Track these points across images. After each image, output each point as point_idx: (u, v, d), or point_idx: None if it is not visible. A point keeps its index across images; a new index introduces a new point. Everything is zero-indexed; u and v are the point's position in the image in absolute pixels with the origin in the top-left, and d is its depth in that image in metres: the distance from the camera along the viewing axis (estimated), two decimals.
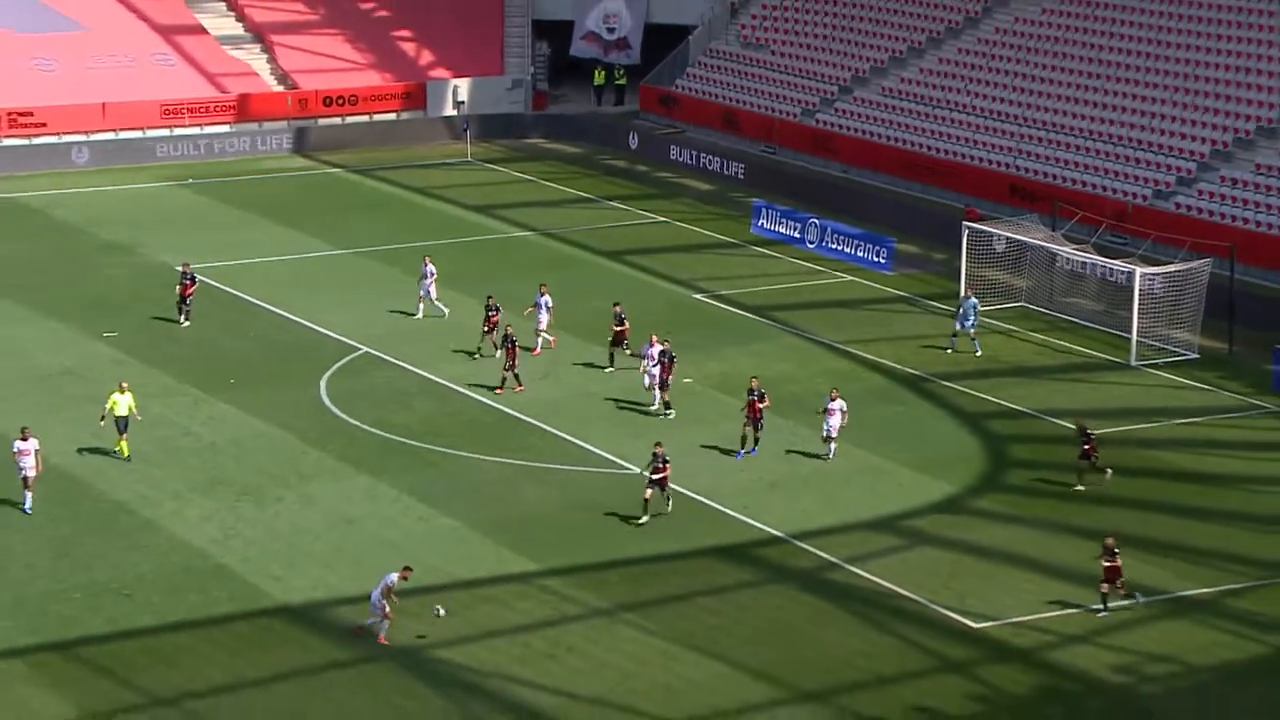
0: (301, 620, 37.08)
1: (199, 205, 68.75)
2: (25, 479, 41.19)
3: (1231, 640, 36.88)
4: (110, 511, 41.72)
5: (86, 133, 74.05)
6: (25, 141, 73.21)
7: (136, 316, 55.03)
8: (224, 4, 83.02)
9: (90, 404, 47.60)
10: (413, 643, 35.90)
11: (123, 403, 44.46)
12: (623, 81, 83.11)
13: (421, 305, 54.85)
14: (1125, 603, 37.49)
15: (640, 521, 40.89)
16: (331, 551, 40.02)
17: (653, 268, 61.14)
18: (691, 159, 74.60)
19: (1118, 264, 54.25)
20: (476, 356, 51.30)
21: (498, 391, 48.57)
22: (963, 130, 69.33)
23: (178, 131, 75.27)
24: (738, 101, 77.31)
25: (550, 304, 51.84)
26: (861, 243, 61.89)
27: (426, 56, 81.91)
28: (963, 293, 54.34)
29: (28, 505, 41.22)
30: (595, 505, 42.42)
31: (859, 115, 72.99)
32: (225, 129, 76.27)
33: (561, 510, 42.18)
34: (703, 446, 45.48)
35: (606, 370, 50.36)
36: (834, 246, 62.38)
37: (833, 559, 40.02)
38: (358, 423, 47.10)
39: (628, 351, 50.33)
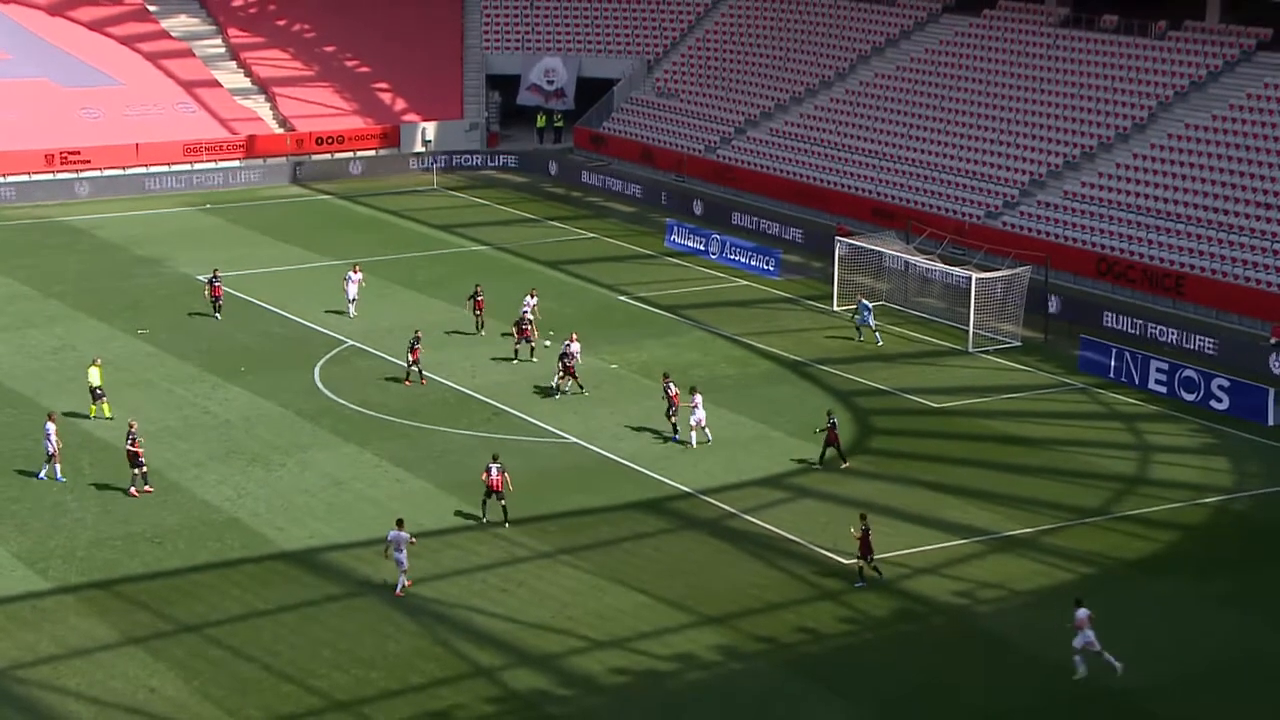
0: (300, 563, 36.93)
1: (215, 226, 68.13)
2: (50, 454, 40.72)
3: (1046, 569, 37.27)
4: None
5: (124, 168, 73.31)
6: (74, 175, 72.39)
7: (165, 317, 54.52)
8: (234, 62, 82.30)
9: (128, 389, 47.26)
10: (391, 581, 35.84)
11: (95, 374, 44.63)
12: (560, 124, 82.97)
13: (352, 307, 54.38)
14: (860, 582, 35.81)
15: (484, 519, 38.81)
16: (324, 507, 39.86)
17: (584, 274, 61.04)
18: (617, 186, 74.59)
19: (957, 270, 54.59)
20: (481, 334, 51.45)
21: (405, 384, 47.63)
22: (835, 163, 69.63)
23: (197, 166, 74.61)
24: (654, 140, 77.31)
25: (533, 304, 51.65)
26: (754, 254, 61.98)
27: (400, 104, 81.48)
28: (859, 298, 54.24)
29: (59, 475, 40.57)
30: (539, 468, 42.34)
31: (752, 151, 73.16)
32: (236, 164, 75.62)
33: (512, 472, 42.03)
34: (626, 420, 45.47)
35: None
36: (732, 257, 62.45)
37: (732, 510, 40.14)
38: (345, 402, 46.87)
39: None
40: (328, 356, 50.81)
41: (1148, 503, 40.94)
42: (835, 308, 56.26)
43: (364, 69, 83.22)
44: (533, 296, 51.86)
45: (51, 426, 40.71)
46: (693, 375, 48.63)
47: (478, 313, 51.73)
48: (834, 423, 42.57)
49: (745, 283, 60.25)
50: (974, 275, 53.09)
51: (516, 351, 49.89)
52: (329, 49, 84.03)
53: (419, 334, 48.52)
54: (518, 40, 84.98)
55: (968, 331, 52.83)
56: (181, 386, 47.70)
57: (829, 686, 32.23)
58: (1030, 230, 61.03)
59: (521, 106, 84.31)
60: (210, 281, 54.24)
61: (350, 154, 78.09)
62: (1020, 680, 32.67)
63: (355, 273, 54.92)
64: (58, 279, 59.01)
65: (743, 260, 61.99)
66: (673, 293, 58.74)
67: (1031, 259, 54.96)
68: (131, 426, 40.47)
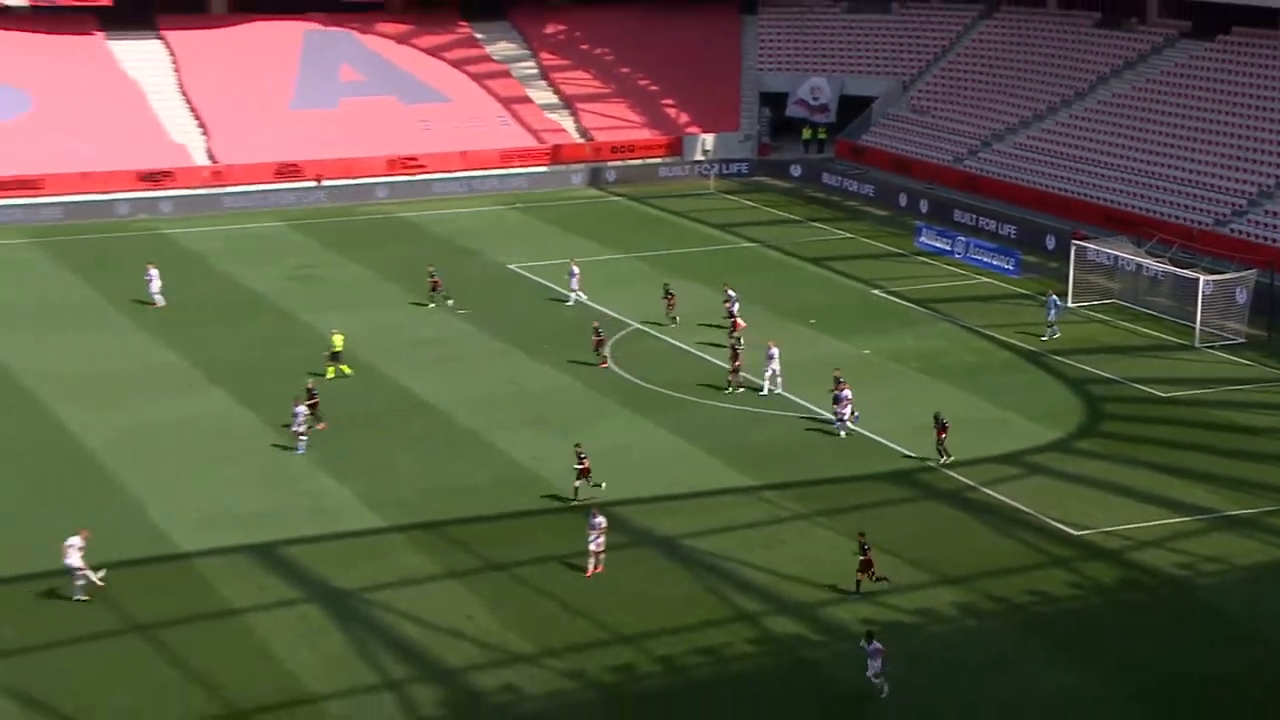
0: None
1: (523, 222, 69.78)
2: (297, 432, 40.96)
3: (1266, 548, 35.76)
4: (462, 436, 42.74)
5: (450, 172, 75.72)
6: (411, 178, 75.16)
7: (482, 301, 56.10)
8: (545, 81, 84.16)
9: (451, 362, 48.91)
10: (668, 534, 36.36)
11: (339, 341, 47.41)
12: (824, 136, 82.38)
13: (572, 296, 55.01)
14: (881, 585, 33.32)
15: (572, 501, 37.78)
16: (614, 467, 40.36)
17: (842, 270, 60.61)
18: (873, 192, 73.88)
19: (1186, 272, 52.53)
20: (673, 324, 51.69)
21: (602, 366, 47.95)
22: (1073, 173, 67.53)
23: (511, 170, 76.57)
24: (908, 152, 76.22)
25: (736, 296, 51.96)
26: (996, 254, 60.69)
27: (684, 117, 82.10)
28: (1050, 294, 52.91)
29: (300, 447, 40.84)
30: (800, 440, 42.40)
31: (997, 162, 71.48)
32: (543, 169, 77.35)
33: (775, 443, 42.16)
34: (877, 400, 44.85)
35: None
36: (976, 257, 61.26)
37: (971, 483, 39.55)
38: (631, 378, 47.57)
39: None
40: (616, 337, 51.65)
41: None
42: (1070, 304, 54.69)
43: (654, 87, 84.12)
44: (729, 289, 51.96)
45: (301, 409, 41.31)
46: (940, 363, 48.04)
47: (668, 308, 52.15)
48: (943, 423, 40.39)
49: (988, 280, 59.02)
50: (1202, 277, 51.04)
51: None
52: (625, 70, 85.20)
53: (597, 324, 49.15)
54: (788, 62, 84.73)
55: (1195, 328, 50.79)
56: (492, 361, 49.10)
57: (1058, 644, 31.52)
58: (1257, 237, 58.16)
59: (789, 120, 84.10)
60: (430, 276, 55.53)
61: (640, 161, 79.10)
62: (1236, 649, 31.35)
63: (574, 266, 55.85)
64: (394, 267, 61.37)
65: (986, 260, 60.74)
66: (921, 288, 57.92)
67: (1258, 263, 52.46)
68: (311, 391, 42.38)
